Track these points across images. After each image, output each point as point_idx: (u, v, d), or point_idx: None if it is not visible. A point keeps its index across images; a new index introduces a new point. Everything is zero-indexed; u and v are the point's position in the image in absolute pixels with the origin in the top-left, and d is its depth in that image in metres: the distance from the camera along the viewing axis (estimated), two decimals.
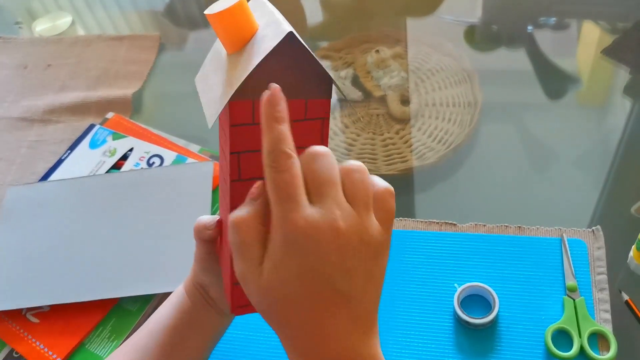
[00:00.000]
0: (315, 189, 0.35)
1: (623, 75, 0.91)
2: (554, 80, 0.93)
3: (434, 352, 0.62)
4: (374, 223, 0.37)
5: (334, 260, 0.34)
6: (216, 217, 0.52)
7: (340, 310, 0.35)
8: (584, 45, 0.99)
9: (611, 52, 0.93)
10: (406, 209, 0.79)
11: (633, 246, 0.65)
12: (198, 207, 0.73)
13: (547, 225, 0.71)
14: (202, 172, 0.76)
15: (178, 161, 0.80)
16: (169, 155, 0.81)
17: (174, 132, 0.87)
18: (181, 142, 0.84)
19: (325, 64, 1.00)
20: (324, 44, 1.03)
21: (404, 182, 0.83)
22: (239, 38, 0.41)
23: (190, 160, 0.80)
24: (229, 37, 0.41)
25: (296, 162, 0.35)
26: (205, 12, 0.40)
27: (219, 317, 0.56)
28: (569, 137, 0.84)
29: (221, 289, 0.53)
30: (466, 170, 0.82)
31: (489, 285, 0.65)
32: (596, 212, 0.74)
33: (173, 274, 0.68)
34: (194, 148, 0.83)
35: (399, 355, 0.62)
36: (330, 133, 0.90)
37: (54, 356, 0.65)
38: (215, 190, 0.78)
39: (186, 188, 0.75)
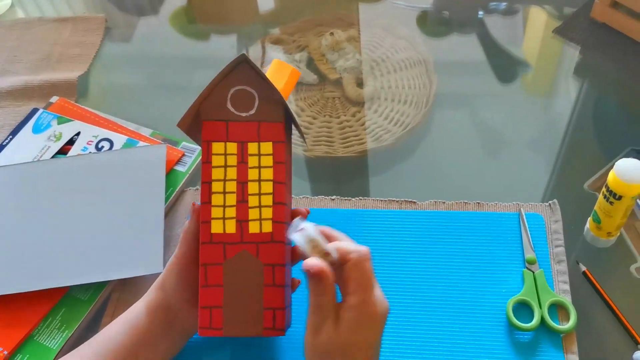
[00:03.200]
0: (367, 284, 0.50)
1: (573, 54, 0.93)
2: (505, 65, 0.94)
3: (394, 329, 0.62)
4: None
5: (380, 331, 0.50)
6: None
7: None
8: (534, 29, 1.00)
9: (562, 31, 0.94)
10: (365, 189, 0.78)
11: (589, 218, 0.67)
12: (150, 192, 0.70)
13: (505, 202, 0.71)
14: (154, 156, 0.73)
15: (128, 145, 0.77)
16: (119, 139, 0.77)
17: (124, 116, 0.83)
18: (131, 126, 0.81)
19: (278, 48, 0.98)
20: (276, 30, 1.01)
21: (362, 164, 0.82)
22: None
23: (141, 143, 0.77)
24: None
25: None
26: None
27: (178, 337, 0.56)
28: (522, 120, 0.85)
29: (189, 308, 0.55)
30: (423, 152, 0.82)
31: (450, 262, 0.65)
32: (551, 189, 0.75)
33: (124, 261, 0.65)
34: (145, 131, 0.80)
35: None
36: None
37: (1, 349, 0.61)
38: (169, 174, 0.75)
39: (138, 172, 0.72)
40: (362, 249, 0.50)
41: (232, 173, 0.54)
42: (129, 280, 0.66)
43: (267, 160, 0.54)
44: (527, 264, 0.65)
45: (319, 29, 1.00)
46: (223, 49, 1.04)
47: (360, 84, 0.92)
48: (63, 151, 0.78)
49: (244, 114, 0.54)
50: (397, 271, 0.66)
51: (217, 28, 1.08)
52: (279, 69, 0.60)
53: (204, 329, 0.53)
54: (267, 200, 0.54)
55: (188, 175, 0.75)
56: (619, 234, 0.66)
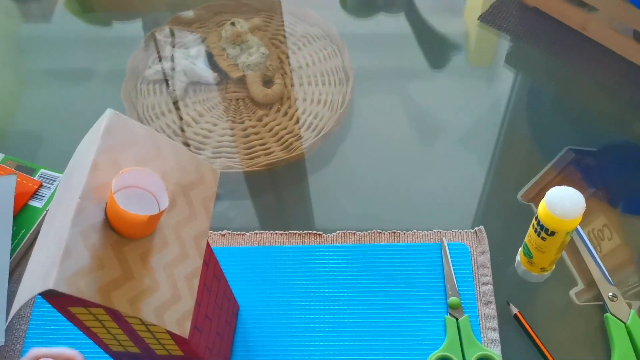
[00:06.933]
0: None
1: (503, 44, 0.82)
2: (435, 48, 0.83)
3: None
4: None
5: None
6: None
7: None
8: (466, 9, 0.89)
9: (489, 19, 0.83)
10: (266, 215, 0.66)
11: (520, 249, 0.57)
12: None
13: (427, 224, 0.61)
14: (1, 190, 0.59)
15: None
16: None
17: None
18: None
19: (173, 40, 0.84)
20: (189, 13, 0.87)
21: (267, 181, 0.70)
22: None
23: None
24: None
25: None
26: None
27: None
28: (450, 117, 0.75)
29: None
30: (337, 161, 0.71)
31: (362, 308, 0.55)
32: (480, 200, 0.65)
33: None
34: None
35: None
36: (182, 123, 0.76)
37: None
38: (21, 211, 0.61)
39: None
40: None
41: (111, 324, 0.40)
42: None
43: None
44: (449, 309, 0.54)
45: (222, 17, 0.87)
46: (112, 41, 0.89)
47: (267, 82, 0.79)
48: None
49: None
50: (297, 321, 0.55)
51: (117, 15, 0.93)
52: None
53: None
54: (171, 346, 0.42)
55: (46, 211, 0.62)
56: (554, 267, 0.56)
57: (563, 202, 0.47)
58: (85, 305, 0.37)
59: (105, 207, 0.36)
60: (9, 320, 0.35)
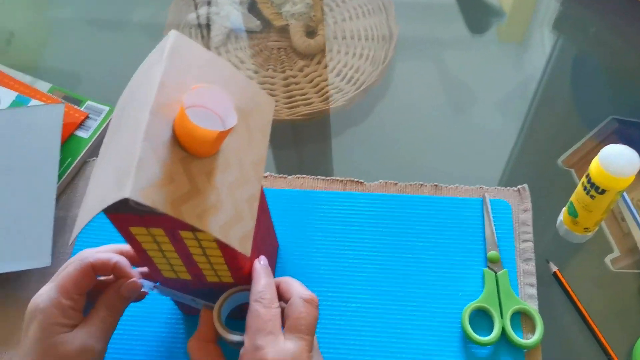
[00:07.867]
0: (295, 327, 0.41)
1: (552, 5, 0.81)
2: (478, 13, 0.82)
3: (330, 338, 0.52)
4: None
5: None
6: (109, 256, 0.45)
7: None
8: None
9: None
10: (306, 162, 0.67)
11: (564, 208, 0.56)
12: (41, 163, 0.57)
13: (467, 182, 0.61)
14: (50, 118, 0.60)
15: (17, 104, 0.63)
16: (6, 96, 0.64)
17: (16, 65, 0.69)
18: (26, 79, 0.67)
19: None
20: None
21: (307, 129, 0.70)
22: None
23: (34, 102, 0.63)
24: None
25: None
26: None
27: None
28: (492, 80, 0.74)
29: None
30: (377, 115, 0.71)
31: (400, 256, 0.55)
32: (520, 164, 0.65)
33: (3, 251, 0.53)
34: (43, 86, 0.67)
35: None
36: None
37: None
38: (67, 140, 0.62)
39: (26, 139, 0.59)
40: None
41: (168, 247, 0.41)
42: (11, 275, 0.54)
43: (211, 247, 0.40)
44: (489, 263, 0.55)
45: None
46: None
47: (310, 32, 0.78)
48: None
49: None
50: (334, 265, 0.56)
51: None
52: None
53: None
54: (224, 272, 0.43)
55: (92, 142, 0.63)
56: (597, 229, 0.56)
57: (618, 159, 0.47)
58: (146, 225, 0.37)
59: (173, 125, 0.36)
60: (74, 236, 0.36)
